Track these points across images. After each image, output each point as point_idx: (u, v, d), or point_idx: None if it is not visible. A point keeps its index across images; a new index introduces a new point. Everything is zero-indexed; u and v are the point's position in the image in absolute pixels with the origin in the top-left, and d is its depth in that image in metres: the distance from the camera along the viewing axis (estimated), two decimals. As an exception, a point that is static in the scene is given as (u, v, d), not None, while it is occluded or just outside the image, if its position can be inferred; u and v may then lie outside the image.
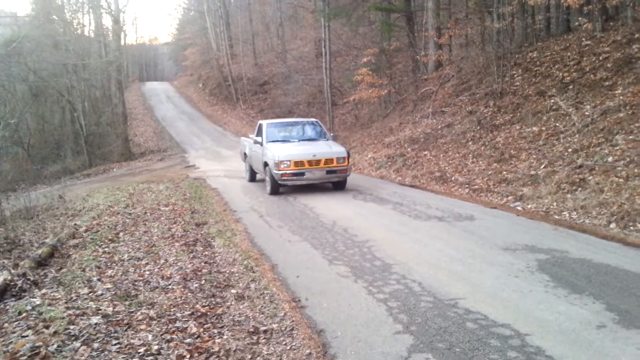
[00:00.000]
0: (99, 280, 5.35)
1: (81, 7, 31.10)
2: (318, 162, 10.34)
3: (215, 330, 4.14)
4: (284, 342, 3.85)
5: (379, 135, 17.28)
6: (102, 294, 4.94)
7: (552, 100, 11.24)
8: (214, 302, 4.77)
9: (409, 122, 16.50)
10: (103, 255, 6.25)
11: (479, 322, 4.01)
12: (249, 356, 3.68)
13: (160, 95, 43.04)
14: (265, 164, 10.74)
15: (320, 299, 4.70)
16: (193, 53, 44.43)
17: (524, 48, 14.76)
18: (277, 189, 10.59)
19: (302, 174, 10.30)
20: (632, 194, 7.13)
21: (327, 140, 11.54)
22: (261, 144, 11.14)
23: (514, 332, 3.80)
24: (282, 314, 4.34)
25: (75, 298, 4.79)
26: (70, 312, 4.38)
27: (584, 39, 12.50)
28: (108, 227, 7.81)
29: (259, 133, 11.65)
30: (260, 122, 12.26)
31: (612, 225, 6.76)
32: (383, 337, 3.83)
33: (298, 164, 10.22)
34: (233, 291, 5.01)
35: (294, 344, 3.81)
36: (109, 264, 5.93)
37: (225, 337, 4.00)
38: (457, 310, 4.25)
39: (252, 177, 12.75)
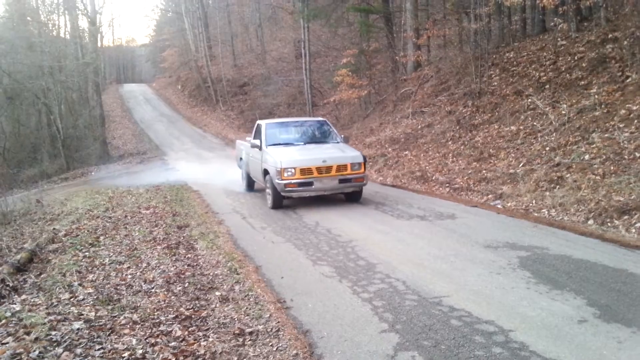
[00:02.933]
0: (80, 285, 5.26)
1: (56, 8, 30.58)
2: (329, 169, 8.71)
3: (200, 333, 4.11)
4: (270, 344, 3.84)
5: (359, 135, 17.34)
6: (83, 299, 4.86)
7: (530, 100, 11.43)
8: (198, 305, 4.73)
9: (390, 122, 16.60)
10: (83, 260, 6.16)
11: (464, 319, 4.05)
12: (235, 358, 3.66)
13: (138, 98, 42.55)
14: (265, 172, 9.21)
15: (306, 299, 4.70)
16: (171, 54, 44.04)
17: (501, 48, 14.98)
18: (281, 201, 9.03)
19: (310, 183, 8.65)
20: (608, 191, 7.28)
21: (338, 142, 9.93)
22: (260, 148, 9.57)
23: (498, 328, 3.85)
24: (268, 316, 4.33)
25: (56, 303, 4.71)
26: (51, 317, 4.30)
27: (559, 39, 12.73)
28: (88, 231, 7.70)
29: (257, 135, 10.12)
30: (258, 122, 10.70)
31: (590, 222, 6.90)
32: (369, 336, 3.85)
33: (305, 171, 8.61)
34: (217, 293, 4.98)
35: (280, 345, 3.80)
36: (89, 268, 5.85)
37: (210, 339, 3.97)
38: (441, 308, 4.29)
39: (250, 186, 11.31)
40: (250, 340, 3.94)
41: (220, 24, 37.60)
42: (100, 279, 5.47)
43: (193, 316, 4.46)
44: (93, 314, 4.49)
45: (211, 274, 5.63)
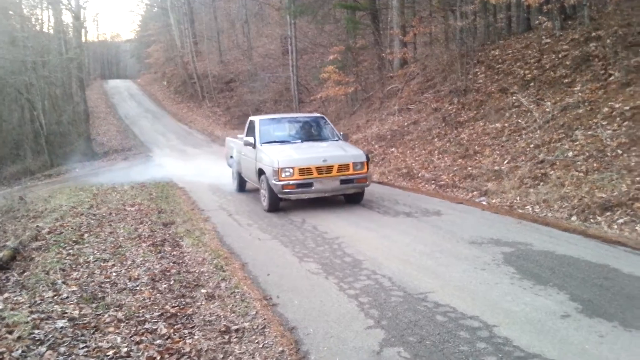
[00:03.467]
0: (63, 283, 5.21)
1: (40, 2, 30.14)
2: (330, 169, 8.15)
3: (186, 331, 4.10)
4: (256, 341, 3.84)
5: (346, 132, 17.34)
6: (67, 297, 4.82)
7: (514, 97, 11.52)
8: (183, 303, 4.71)
9: (376, 119, 16.63)
10: (67, 258, 6.09)
11: (448, 314, 4.09)
12: (221, 356, 3.66)
13: (123, 93, 42.14)
14: (260, 172, 8.63)
15: (292, 296, 4.71)
16: (157, 50, 43.66)
17: (486, 46, 15.06)
18: (277, 204, 8.43)
19: (310, 184, 8.08)
20: (591, 187, 7.37)
21: (337, 140, 9.38)
22: (254, 146, 9.00)
23: (482, 323, 3.89)
24: (254, 313, 4.33)
25: (39, 302, 4.66)
26: (34, 316, 4.26)
27: (544, 37, 12.84)
28: (72, 228, 7.61)
29: (250, 132, 9.50)
30: (251, 118, 10.11)
31: (574, 218, 6.98)
32: (355, 333, 3.86)
33: (304, 171, 8.04)
34: (203, 291, 4.96)
35: (266, 342, 3.80)
36: (73, 266, 5.79)
37: (196, 337, 3.96)
38: (426, 304, 4.32)
39: (241, 186, 10.71)
40: (236, 337, 3.93)
41: (206, 20, 37.37)
42: (84, 276, 5.42)
43: (178, 314, 4.44)
44: (77, 312, 4.45)
45: (197, 271, 5.61)
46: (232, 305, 4.54)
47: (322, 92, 19.93)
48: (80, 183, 14.00)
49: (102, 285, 5.16)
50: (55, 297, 4.80)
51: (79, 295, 4.84)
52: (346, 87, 18.75)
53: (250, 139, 9.15)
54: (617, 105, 8.78)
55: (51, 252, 6.35)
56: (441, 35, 17.03)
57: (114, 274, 5.53)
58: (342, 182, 8.24)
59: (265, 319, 4.19)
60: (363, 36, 20.54)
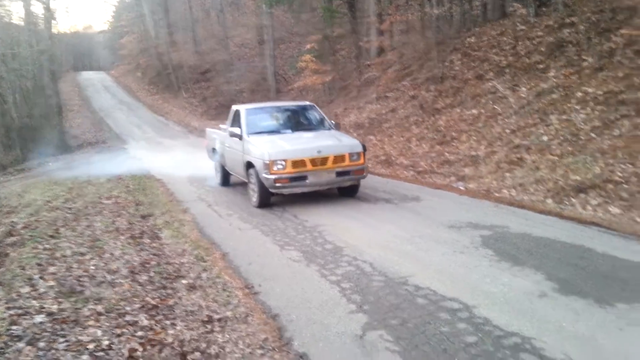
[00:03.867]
0: (40, 278, 5.11)
1: (7, -7, 29.24)
2: (324, 160, 7.59)
3: (168, 322, 4.06)
4: (239, 329, 3.84)
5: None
6: (45, 292, 4.73)
7: (490, 84, 11.64)
8: (164, 294, 4.67)
9: (354, 107, 16.65)
10: (44, 252, 5.97)
11: (429, 297, 4.14)
12: (204, 345, 3.65)
13: (96, 85, 41.35)
14: (249, 165, 8.10)
15: (274, 284, 4.71)
16: (130, 41, 42.87)
17: (462, 33, 15.15)
18: (268, 199, 7.91)
19: (304, 177, 7.54)
20: (566, 170, 7.52)
21: (330, 129, 8.86)
22: (240, 137, 8.42)
23: (462, 305, 3.95)
24: (236, 301, 4.32)
25: (16, 297, 4.56)
26: (11, 312, 4.17)
27: (518, 24, 12.96)
28: (47, 223, 7.47)
29: (236, 122, 8.92)
30: (235, 107, 9.44)
31: (549, 201, 7.12)
32: (338, 318, 3.89)
33: (297, 164, 7.48)
34: (184, 282, 4.93)
35: (249, 330, 3.81)
36: (50, 260, 5.68)
37: (178, 327, 3.94)
38: (407, 288, 4.37)
39: (225, 180, 10.18)
40: (219, 326, 3.92)
41: (181, 10, 36.75)
42: (61, 271, 5.32)
43: (160, 305, 4.40)
44: (56, 306, 4.38)
45: (177, 262, 5.57)
46: (214, 295, 4.52)
47: (300, 82, 19.85)
48: (55, 177, 13.73)
49: (81, 279, 5.08)
50: (33, 293, 4.71)
51: (57, 290, 4.76)
52: (323, 76, 18.71)
53: (236, 130, 8.56)
54: (590, 90, 8.93)
55: (27, 248, 6.23)
56: (417, 23, 17.07)
57: (92, 267, 5.44)
58: (338, 174, 7.72)
59: (247, 307, 4.19)
60: (340, 25, 20.47)
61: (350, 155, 7.79)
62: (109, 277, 5.14)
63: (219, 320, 4.02)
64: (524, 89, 10.53)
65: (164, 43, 34.39)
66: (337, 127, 9.17)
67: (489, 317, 3.73)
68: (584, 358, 3.14)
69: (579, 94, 9.07)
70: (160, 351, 3.59)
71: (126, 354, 3.56)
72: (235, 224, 7.16)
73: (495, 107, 10.80)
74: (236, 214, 7.70)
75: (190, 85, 32.53)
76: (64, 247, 6.17)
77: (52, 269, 5.38)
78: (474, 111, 11.21)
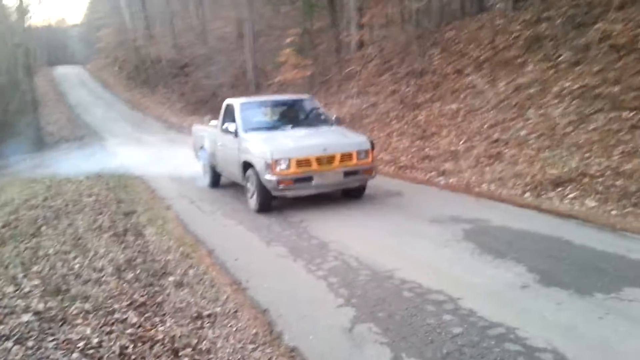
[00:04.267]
0: (24, 277, 5.07)
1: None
2: (331, 159, 6.99)
3: (157, 319, 4.09)
4: (229, 325, 3.88)
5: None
6: (30, 291, 4.70)
7: (469, 78, 11.81)
8: (152, 291, 4.68)
9: (335, 102, 16.70)
10: (26, 251, 5.92)
11: (415, 290, 4.24)
12: (195, 341, 3.68)
13: (72, 80, 40.62)
14: (246, 166, 7.46)
15: (261, 280, 4.76)
16: (107, 34, 42.07)
17: (441, 28, 15.29)
18: (269, 203, 7.26)
19: (309, 178, 6.93)
20: (543, 164, 7.70)
21: (332, 125, 8.25)
22: (235, 135, 7.69)
23: (447, 297, 4.05)
24: (225, 298, 4.36)
25: (0, 297, 4.54)
26: (-3, 312, 4.15)
27: (497, 18, 13.16)
28: (28, 222, 7.38)
29: (228, 118, 8.17)
30: (228, 101, 8.63)
31: (527, 195, 7.28)
32: (326, 312, 3.96)
33: (302, 163, 6.86)
34: (171, 279, 4.94)
35: (239, 325, 3.85)
36: (33, 259, 5.63)
37: (168, 324, 3.96)
38: (393, 281, 4.46)
39: (215, 181, 9.41)
40: (208, 322, 3.96)
41: (158, 2, 36.27)
42: (46, 269, 5.29)
43: (148, 302, 4.42)
44: (42, 305, 4.35)
45: (163, 259, 5.56)
46: (202, 292, 4.55)
47: (280, 76, 19.80)
48: (32, 175, 13.50)
49: (66, 277, 5.06)
50: (17, 292, 4.67)
51: (42, 288, 4.73)
52: (304, 70, 18.70)
53: (230, 126, 7.81)
54: (566, 85, 9.14)
55: (8, 247, 6.16)
56: (397, 17, 17.17)
57: (77, 265, 5.42)
58: (346, 174, 7.12)
59: (236, 303, 4.23)
60: (320, 18, 20.47)
61: (358, 153, 7.20)
62: (94, 275, 5.12)
63: (209, 316, 4.05)
64: (502, 83, 10.71)
65: (142, 36, 33.91)
66: (338, 121, 8.62)
67: (474, 308, 3.83)
68: (566, 346, 3.26)
69: (556, 89, 9.27)
70: (151, 348, 3.61)
71: (117, 351, 3.57)
72: (219, 220, 7.17)
73: (474, 101, 10.97)
74: (220, 211, 7.70)
75: (168, 80, 32.16)
76: (47, 246, 6.12)
77: (35, 268, 5.35)
78: (454, 106, 11.36)
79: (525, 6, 12.77)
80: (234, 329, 3.80)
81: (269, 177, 6.82)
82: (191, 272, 5.07)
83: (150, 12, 36.33)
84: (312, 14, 19.60)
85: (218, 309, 4.15)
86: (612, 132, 7.59)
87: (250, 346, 3.53)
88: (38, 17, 61.48)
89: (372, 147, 7.49)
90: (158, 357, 3.50)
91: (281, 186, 6.85)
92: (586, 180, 6.93)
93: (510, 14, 12.79)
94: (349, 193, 7.81)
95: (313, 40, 19.92)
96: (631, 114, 7.69)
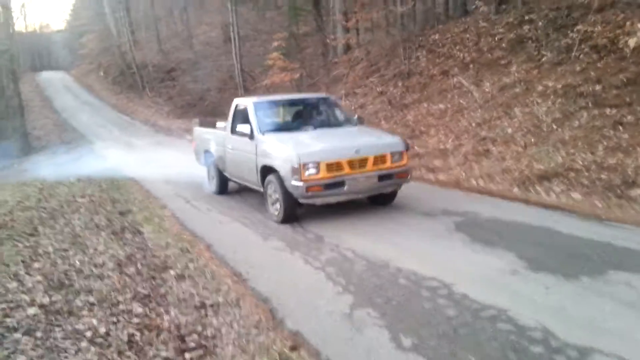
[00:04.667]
0: (26, 273, 5.15)
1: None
2: (364, 162, 6.36)
3: (162, 309, 4.20)
4: (232, 313, 4.01)
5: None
6: (33, 287, 4.79)
7: (455, 79, 12.05)
8: (154, 284, 4.79)
9: (323, 104, 16.85)
10: (25, 250, 5.97)
11: (410, 278, 4.40)
12: (200, 328, 3.81)
13: (57, 86, 40.31)
14: (266, 170, 6.80)
15: (261, 271, 4.89)
16: (91, 40, 41.91)
17: (426, 31, 15.56)
18: (295, 211, 6.63)
19: (341, 184, 6.23)
20: (530, 160, 7.93)
21: (355, 125, 7.68)
22: (250, 136, 7.05)
23: (441, 283, 4.22)
24: (226, 288, 4.48)
25: (4, 292, 4.61)
26: (3, 305, 4.23)
27: (480, 21, 13.45)
28: (23, 222, 7.39)
29: (240, 118, 7.58)
30: (238, 101, 8.04)
31: (515, 189, 7.51)
32: (326, 299, 4.11)
33: (333, 167, 6.20)
34: (172, 272, 5.05)
35: (242, 313, 3.98)
36: (33, 257, 5.69)
37: (172, 314, 4.08)
38: (389, 270, 4.62)
39: (223, 187, 8.72)
40: (212, 311, 4.08)
41: (142, 7, 36.23)
42: (47, 266, 5.35)
43: (151, 294, 4.53)
44: (47, 299, 4.45)
45: (162, 255, 5.67)
46: (204, 283, 4.67)
47: (268, 80, 19.95)
48: (22, 178, 13.46)
49: (67, 273, 5.13)
50: (21, 288, 4.76)
51: (45, 284, 4.82)
52: (291, 73, 18.87)
53: (244, 128, 7.14)
54: (550, 84, 9.41)
55: (6, 246, 6.19)
56: (383, 21, 17.43)
57: (78, 262, 5.49)
58: (381, 178, 6.49)
59: (238, 293, 4.36)
60: (306, 22, 20.69)
61: (392, 154, 6.59)
62: (96, 271, 5.21)
63: (212, 305, 4.18)
64: (487, 83, 10.97)
65: (127, 42, 33.83)
66: (361, 121, 8.03)
67: (467, 293, 4.01)
68: (556, 325, 3.44)
69: (540, 88, 9.54)
70: (158, 335, 3.73)
71: (125, 339, 3.68)
72: (215, 217, 7.28)
73: (461, 101, 11.21)
74: (215, 209, 7.81)
75: (155, 85, 32.13)
76: (46, 245, 6.17)
77: (36, 265, 5.41)
78: (441, 106, 11.60)
79: (507, 9, 13.09)
80: (238, 317, 3.93)
81: (296, 183, 6.12)
82: (191, 265, 5.19)
83: (134, 18, 36.31)
84: (297, 19, 19.80)
85: (220, 299, 4.27)
86: (595, 129, 7.86)
87: (254, 331, 3.67)
88: (22, 23, 60.95)
89: (407, 148, 6.98)
90: (165, 344, 3.62)
91: (310, 193, 6.17)
92: (572, 174, 7.17)
93: (494, 17, 13.10)
94: (377, 200, 7.16)
95: (299, 44, 20.12)
96: (613, 111, 7.96)
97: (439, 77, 12.79)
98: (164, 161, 13.03)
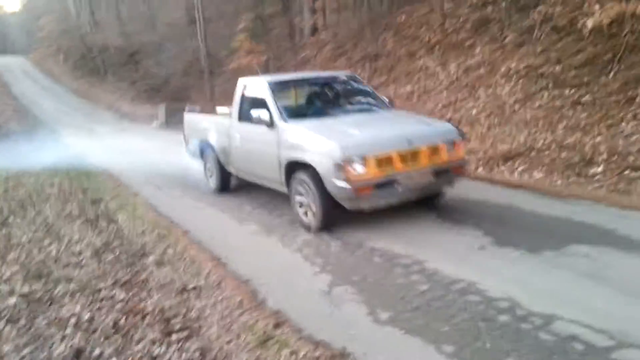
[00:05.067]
0: (2, 264, 5.16)
1: None
2: (416, 155, 5.19)
3: (144, 294, 4.30)
4: (214, 295, 4.14)
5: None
6: (11, 276, 4.82)
7: (422, 61, 12.28)
8: (134, 270, 4.87)
9: (291, 87, 16.87)
10: (-2, 241, 5.95)
11: (384, 256, 4.61)
12: (184, 310, 3.93)
13: (15, 71, 38.87)
14: (292, 167, 5.55)
15: (239, 255, 5.01)
16: (49, 22, 40.44)
17: (393, 12, 15.71)
18: (334, 217, 5.42)
19: (393, 182, 5.07)
20: (494, 141, 8.23)
21: (390, 109, 6.61)
22: (270, 124, 5.81)
23: (413, 260, 4.44)
24: (207, 272, 4.60)
25: (-19, 283, 4.63)
26: (-18, 296, 4.26)
27: (445, 2, 13.65)
28: (-8, 212, 7.33)
29: (251, 103, 6.37)
30: (246, 80, 6.76)
31: (480, 169, 7.79)
32: (305, 278, 4.28)
33: (383, 162, 5.02)
34: (151, 258, 5.13)
35: (224, 294, 4.11)
36: (7, 247, 5.69)
37: (155, 298, 4.19)
38: (364, 250, 4.82)
39: (224, 184, 7.52)
40: (194, 294, 4.20)
41: (102, -11, 35.18)
42: (23, 256, 5.37)
43: (132, 280, 4.61)
44: (27, 288, 4.50)
45: (140, 242, 5.72)
46: (184, 268, 4.77)
47: (234, 62, 19.79)
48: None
49: (45, 262, 5.17)
50: (-2, 278, 4.78)
51: (23, 273, 4.85)
52: (258, 55, 18.76)
53: (261, 114, 5.85)
54: (512, 65, 9.72)
55: (-23, 237, 6.15)
56: (350, 2, 17.47)
57: (54, 251, 5.52)
58: (437, 174, 5.36)
59: (219, 275, 4.48)
60: (272, 3, 20.53)
61: (447, 144, 5.45)
62: (73, 259, 5.26)
63: (194, 288, 4.29)
64: (453, 65, 11.23)
65: (87, 23, 32.87)
66: (392, 104, 6.89)
67: (438, 268, 4.23)
68: (521, 295, 3.69)
69: (503, 69, 9.85)
70: (143, 318, 3.84)
71: (110, 323, 3.78)
72: (190, 203, 7.32)
73: (427, 83, 11.45)
74: (188, 195, 7.83)
75: (117, 69, 31.38)
76: (19, 235, 6.16)
77: (12, 255, 5.43)
78: (408, 88, 11.82)
79: (472, -10, 13.31)
80: (220, 298, 4.06)
81: (340, 184, 4.91)
82: (170, 251, 5.27)
83: (94, -1, 35.23)
84: (264, -1, 19.66)
85: (202, 282, 4.39)
86: (555, 109, 8.20)
87: (237, 311, 3.81)
88: (-28, 5, 58.27)
89: (463, 137, 5.89)
90: (151, 326, 3.73)
91: (361, 195, 4.98)
92: (533, 153, 7.49)
93: (459, -2, 13.32)
94: (424, 199, 5.85)
95: (266, 26, 19.98)
96: (572, 91, 8.32)
97: (405, 58, 13.00)
98: (131, 147, 12.92)
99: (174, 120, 22.40)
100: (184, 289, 4.29)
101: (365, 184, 4.95)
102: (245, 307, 3.87)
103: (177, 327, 3.70)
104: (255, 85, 6.48)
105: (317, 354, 3.15)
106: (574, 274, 3.99)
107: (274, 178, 5.99)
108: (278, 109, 5.90)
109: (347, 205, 5.19)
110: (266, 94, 6.12)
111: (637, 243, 4.47)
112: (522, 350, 3.03)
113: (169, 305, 4.00)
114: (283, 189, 5.92)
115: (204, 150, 7.90)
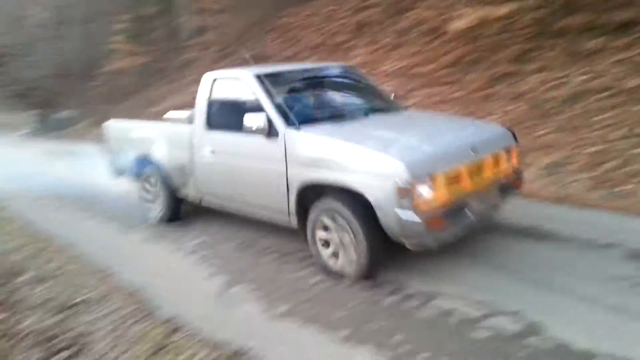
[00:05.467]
0: None
1: None
2: (480, 167, 3.94)
3: (20, 316, 3.97)
4: (104, 306, 3.94)
5: (139, 107, 16.75)
6: None
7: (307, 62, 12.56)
8: (7, 290, 4.48)
9: (174, 91, 16.44)
10: None
11: (277, 252, 4.69)
12: (71, 326, 3.70)
13: None
14: (309, 191, 4.10)
15: (130, 264, 4.80)
16: None
17: (279, 14, 15.86)
18: (379, 264, 3.94)
19: (463, 208, 3.77)
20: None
21: (404, 109, 5.40)
22: (270, 133, 4.27)
23: (304, 255, 4.50)
24: (93, 283, 4.36)
25: None
26: None
27: (329, 5, 14.08)
28: None
29: (227, 104, 4.89)
30: (216, 74, 5.17)
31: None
32: (200, 281, 4.24)
33: (453, 180, 3.67)
34: (29, 275, 4.75)
35: (115, 306, 3.93)
36: None
37: (36, 317, 3.89)
38: (256, 248, 4.87)
39: (174, 211, 5.87)
40: (82, 308, 3.97)
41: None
42: None
43: (6, 301, 4.24)
44: None
45: (13, 259, 5.25)
46: (67, 283, 4.47)
47: (112, 65, 18.86)
48: None
49: None
50: None
51: None
52: (137, 58, 18.06)
53: (254, 120, 4.25)
54: (390, 65, 10.28)
55: None
56: (235, 2, 17.38)
57: None
58: (501, 190, 4.21)
59: (107, 286, 4.28)
60: (153, 3, 19.82)
61: (507, 152, 4.31)
62: None
63: (83, 302, 4.05)
64: (335, 66, 11.60)
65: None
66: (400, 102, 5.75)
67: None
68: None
69: (383, 68, 10.37)
70: (21, 340, 3.57)
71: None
72: (70, 214, 6.86)
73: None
74: (71, 205, 7.29)
75: (-23, 73, 28.39)
76: None
77: None
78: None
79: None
80: (111, 310, 3.88)
81: (407, 216, 3.48)
82: (50, 265, 4.91)
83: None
84: (144, -1, 18.92)
85: (90, 295, 4.16)
86: (430, 105, 8.81)
87: (131, 320, 3.67)
88: None
89: (517, 141, 4.54)
90: (31, 348, 3.48)
91: (431, 229, 3.54)
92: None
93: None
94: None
95: (147, 27, 19.25)
96: (443, 88, 8.99)
97: (292, 60, 13.18)
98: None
99: (44, 127, 20.81)
100: (71, 304, 4.04)
101: (437, 213, 3.55)
102: (139, 315, 3.74)
103: (62, 345, 3.48)
104: (234, 81, 4.88)
105: (215, 354, 3.15)
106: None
107: (275, 207, 4.44)
108: (281, 111, 4.33)
109: (410, 244, 3.68)
110: (258, 92, 4.51)
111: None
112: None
113: (53, 323, 3.75)
114: (288, 220, 4.40)
115: (141, 168, 6.06)
